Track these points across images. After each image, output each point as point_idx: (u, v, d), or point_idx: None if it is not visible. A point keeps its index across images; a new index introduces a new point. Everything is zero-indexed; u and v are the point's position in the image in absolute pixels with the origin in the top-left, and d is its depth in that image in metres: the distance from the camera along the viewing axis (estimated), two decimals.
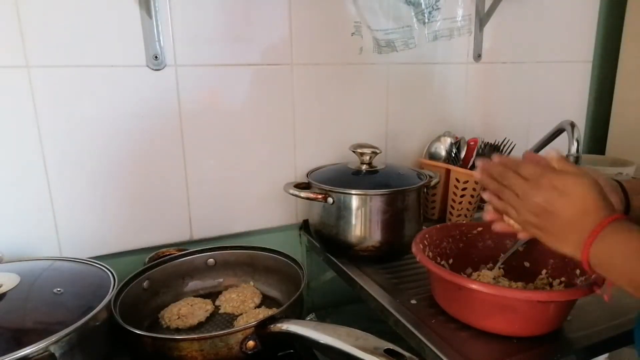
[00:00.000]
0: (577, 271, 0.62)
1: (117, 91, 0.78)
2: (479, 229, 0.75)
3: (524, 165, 0.49)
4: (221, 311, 0.71)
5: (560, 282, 0.64)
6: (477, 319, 0.58)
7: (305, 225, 0.96)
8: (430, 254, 0.70)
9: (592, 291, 0.53)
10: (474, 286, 0.55)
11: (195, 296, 0.75)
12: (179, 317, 0.66)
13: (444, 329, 0.59)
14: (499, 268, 0.70)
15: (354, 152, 0.85)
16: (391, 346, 0.50)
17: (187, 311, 0.67)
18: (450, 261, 0.73)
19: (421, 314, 0.62)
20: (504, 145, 0.96)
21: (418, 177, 0.84)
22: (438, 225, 0.75)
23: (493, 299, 0.55)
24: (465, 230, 0.75)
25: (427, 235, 0.71)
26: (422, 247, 0.67)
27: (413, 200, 0.80)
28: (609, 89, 1.33)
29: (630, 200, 0.55)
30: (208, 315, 0.69)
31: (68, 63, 0.74)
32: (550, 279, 0.66)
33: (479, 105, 1.16)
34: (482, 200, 1.06)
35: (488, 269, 0.72)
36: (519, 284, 0.67)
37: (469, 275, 0.71)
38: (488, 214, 0.55)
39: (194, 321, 0.66)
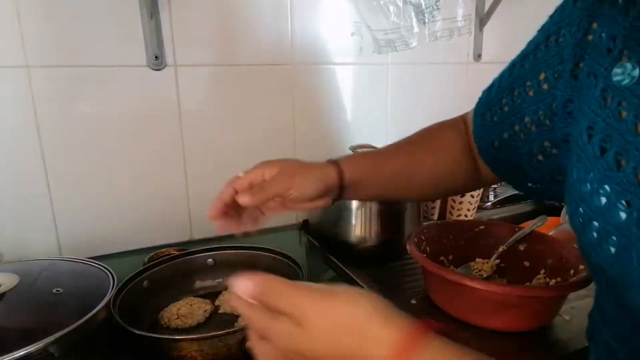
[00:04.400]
0: (571, 271, 0.62)
1: (117, 91, 0.78)
2: (481, 227, 0.75)
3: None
4: (220, 311, 0.71)
5: (556, 282, 0.64)
6: (466, 312, 0.60)
7: (305, 225, 0.96)
8: (429, 249, 0.70)
9: (566, 291, 0.56)
10: (454, 278, 0.56)
11: (195, 296, 0.74)
12: (178, 317, 0.66)
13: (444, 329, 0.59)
14: (495, 259, 0.71)
15: (353, 152, 0.85)
16: None
17: (186, 311, 0.67)
18: (450, 257, 0.73)
19: (421, 314, 0.62)
20: None
21: None
22: (439, 222, 0.75)
23: (478, 293, 0.56)
24: (467, 228, 0.75)
25: (425, 231, 0.71)
26: (416, 241, 0.67)
27: None
28: None
29: (343, 180, 0.50)
30: (208, 315, 0.69)
31: (68, 63, 0.74)
32: (548, 279, 0.66)
33: None
34: (482, 200, 1.05)
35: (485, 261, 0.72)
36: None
37: None
38: None
39: (193, 321, 0.66)
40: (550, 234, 0.77)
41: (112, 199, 0.82)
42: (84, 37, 0.74)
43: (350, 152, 0.85)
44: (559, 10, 0.40)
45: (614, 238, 0.30)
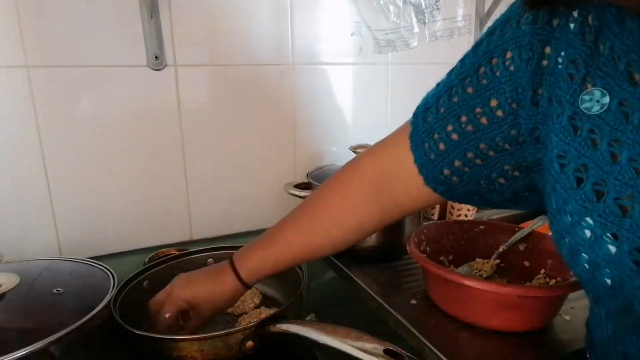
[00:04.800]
0: (571, 272, 0.62)
1: (117, 91, 0.78)
2: (481, 227, 0.75)
3: None
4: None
5: (556, 282, 0.64)
6: (466, 311, 0.60)
7: None
8: (429, 249, 0.70)
9: (566, 291, 0.56)
10: (454, 278, 0.56)
11: None
12: None
13: (444, 329, 0.59)
14: (495, 259, 0.71)
15: (354, 152, 0.85)
16: (390, 346, 0.50)
17: None
18: (450, 257, 0.73)
19: (421, 314, 0.62)
20: None
21: None
22: (439, 222, 0.75)
23: (478, 293, 0.56)
24: (467, 228, 0.75)
25: (425, 231, 0.71)
26: (416, 241, 0.67)
27: None
28: None
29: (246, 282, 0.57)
30: None
31: (68, 63, 0.74)
32: (548, 279, 0.66)
33: None
34: None
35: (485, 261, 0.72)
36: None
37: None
38: None
39: None
40: (550, 234, 0.77)
41: (112, 199, 0.82)
42: (84, 37, 0.74)
43: (350, 152, 0.85)
44: (499, 31, 0.38)
45: (608, 270, 0.29)
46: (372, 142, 0.86)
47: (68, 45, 0.73)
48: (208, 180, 0.89)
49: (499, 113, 0.37)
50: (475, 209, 0.99)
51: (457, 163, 0.41)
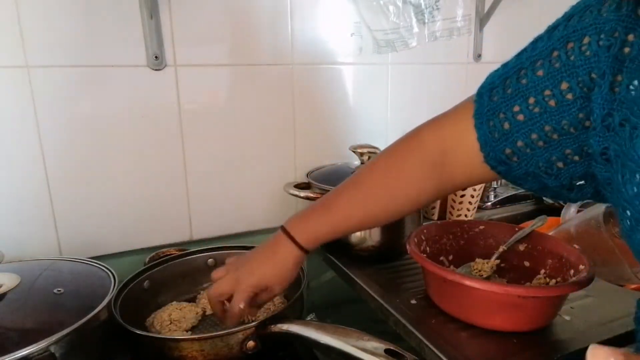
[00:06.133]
0: (571, 271, 0.62)
1: (117, 91, 0.78)
2: (481, 227, 0.75)
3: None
4: (208, 313, 0.70)
5: (556, 282, 0.64)
6: (466, 312, 0.60)
7: None
8: (429, 249, 0.70)
9: (566, 291, 0.55)
10: (454, 278, 0.56)
11: (196, 296, 0.75)
12: (171, 322, 0.66)
13: (444, 328, 0.59)
14: (495, 259, 0.71)
15: (354, 152, 0.85)
16: (391, 346, 0.50)
17: (178, 315, 0.67)
18: (450, 257, 0.73)
19: (421, 314, 0.62)
20: None
21: None
22: (439, 222, 0.75)
23: (478, 293, 0.56)
24: (467, 228, 0.75)
25: (425, 231, 0.71)
26: (416, 241, 0.67)
27: None
28: None
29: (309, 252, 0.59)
30: (200, 318, 0.68)
31: (68, 63, 0.74)
32: (548, 279, 0.66)
33: None
34: (482, 200, 1.05)
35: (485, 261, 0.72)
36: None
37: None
38: None
39: (187, 325, 0.66)
40: (550, 234, 0.77)
41: (112, 199, 0.82)
42: (83, 37, 0.74)
43: (350, 152, 0.86)
44: (577, 17, 0.38)
45: None
46: (372, 142, 0.87)
47: (68, 45, 0.73)
48: (208, 180, 0.89)
49: (569, 96, 0.38)
50: (475, 208, 0.99)
51: (520, 143, 0.42)
